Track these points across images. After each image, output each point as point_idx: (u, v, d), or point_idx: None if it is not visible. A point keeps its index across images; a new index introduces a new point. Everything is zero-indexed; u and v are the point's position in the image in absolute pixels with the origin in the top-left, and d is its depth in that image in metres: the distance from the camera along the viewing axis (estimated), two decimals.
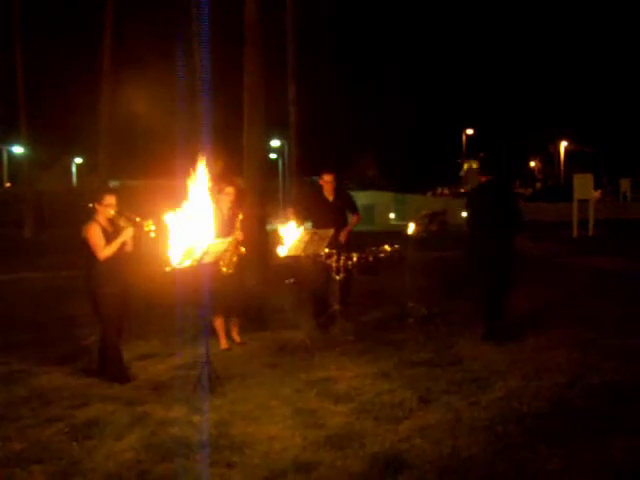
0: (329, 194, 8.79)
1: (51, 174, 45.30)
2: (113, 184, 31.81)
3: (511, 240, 8.01)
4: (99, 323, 6.69)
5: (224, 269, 7.47)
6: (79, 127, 35.78)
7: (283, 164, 45.17)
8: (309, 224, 8.35)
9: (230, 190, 7.72)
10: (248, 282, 8.41)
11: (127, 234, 6.48)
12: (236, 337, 7.96)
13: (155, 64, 31.88)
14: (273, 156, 46.90)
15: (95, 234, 6.40)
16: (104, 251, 6.40)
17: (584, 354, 7.06)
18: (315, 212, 8.65)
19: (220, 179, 7.93)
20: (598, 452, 4.64)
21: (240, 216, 7.58)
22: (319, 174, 8.88)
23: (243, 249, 7.70)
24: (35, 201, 31.10)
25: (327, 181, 8.77)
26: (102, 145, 25.66)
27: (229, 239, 6.71)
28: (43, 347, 8.14)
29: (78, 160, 51.93)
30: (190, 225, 5.92)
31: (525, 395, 5.83)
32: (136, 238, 6.58)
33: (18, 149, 39.63)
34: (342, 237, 8.69)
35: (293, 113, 22.17)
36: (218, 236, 6.47)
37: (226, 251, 7.10)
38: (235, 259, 7.59)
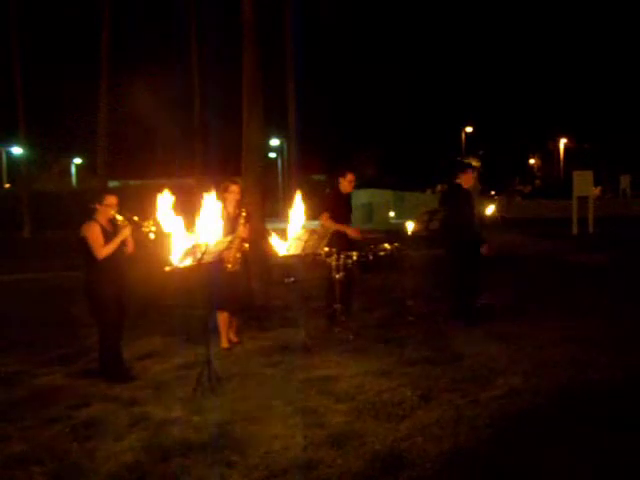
0: (348, 191, 8.85)
1: (50, 175, 45.26)
2: (112, 184, 31.83)
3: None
4: (98, 323, 6.68)
5: (229, 266, 7.48)
6: (78, 128, 35.80)
7: (282, 163, 45.19)
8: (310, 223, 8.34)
9: (235, 188, 7.72)
10: (250, 280, 8.42)
11: (125, 233, 6.49)
12: (233, 337, 7.95)
13: (154, 65, 31.90)
14: (272, 155, 46.91)
15: (94, 233, 6.41)
16: (103, 250, 6.40)
17: (583, 350, 7.05)
18: (338, 210, 8.68)
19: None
20: (599, 449, 4.63)
21: (244, 213, 7.59)
22: (343, 174, 8.87)
23: (247, 245, 7.72)
24: (34, 202, 31.11)
25: (351, 180, 8.82)
26: (101, 146, 25.66)
27: (228, 238, 6.71)
28: (43, 347, 8.14)
29: (77, 161, 51.92)
30: (196, 224, 5.94)
31: (525, 392, 5.82)
32: (135, 238, 6.60)
33: (17, 150, 39.62)
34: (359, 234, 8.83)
35: (292, 112, 22.19)
36: (224, 234, 6.48)
37: (229, 249, 7.12)
38: (239, 256, 7.60)
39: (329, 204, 8.78)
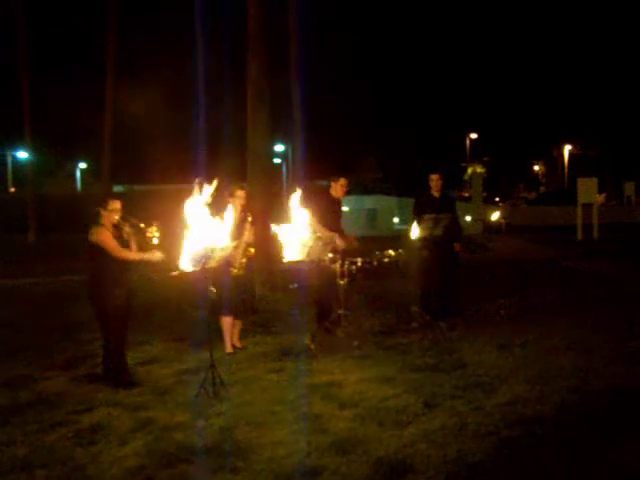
0: (340, 197, 8.88)
1: (55, 179, 45.36)
2: (117, 189, 31.87)
3: None
4: (102, 328, 6.69)
5: (234, 270, 7.49)
6: (83, 132, 35.86)
7: (287, 169, 45.22)
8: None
9: (241, 193, 7.73)
10: (255, 285, 8.45)
11: (154, 256, 6.50)
12: (237, 342, 7.95)
13: (159, 69, 31.95)
14: (277, 161, 46.94)
15: (107, 237, 6.41)
16: (123, 252, 6.43)
17: (587, 358, 7.04)
18: (331, 216, 8.70)
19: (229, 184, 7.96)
20: (603, 457, 4.62)
21: (249, 218, 7.60)
22: (336, 179, 8.88)
23: (252, 250, 7.73)
24: (39, 206, 31.15)
25: (343, 185, 8.86)
26: (106, 150, 25.70)
27: (233, 244, 6.72)
28: (47, 352, 8.15)
29: (82, 165, 52.08)
30: (201, 230, 5.94)
31: (529, 400, 5.81)
32: (139, 244, 6.61)
33: (22, 154, 39.75)
34: (354, 242, 8.88)
35: (297, 117, 22.16)
36: (230, 239, 6.49)
37: (234, 254, 7.13)
38: (244, 261, 7.61)
39: (320, 211, 8.72)
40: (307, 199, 7.54)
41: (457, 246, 9.42)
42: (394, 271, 8.82)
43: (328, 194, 8.90)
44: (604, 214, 28.70)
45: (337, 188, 8.85)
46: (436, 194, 9.45)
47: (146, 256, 6.54)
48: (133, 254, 6.52)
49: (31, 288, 14.21)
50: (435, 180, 9.43)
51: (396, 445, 4.91)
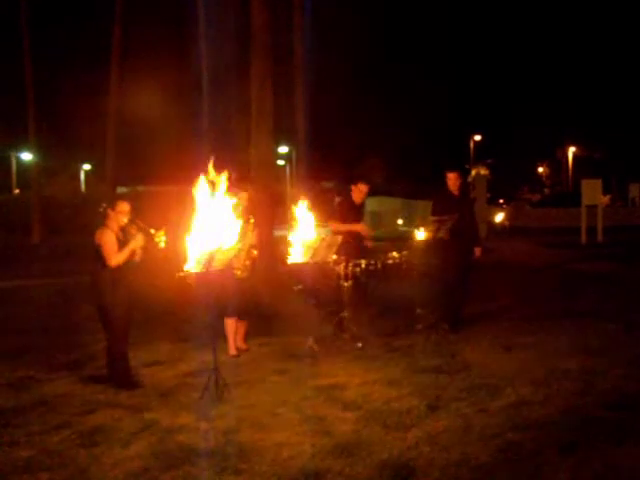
0: (359, 201, 8.90)
1: (59, 180, 45.33)
2: (120, 190, 31.86)
3: None
4: (105, 330, 6.67)
5: (238, 273, 7.49)
6: (87, 134, 35.89)
7: (291, 170, 45.23)
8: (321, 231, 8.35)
9: (244, 195, 7.73)
10: (259, 287, 8.45)
11: (137, 242, 6.43)
12: (241, 344, 7.94)
13: (163, 71, 31.99)
14: (281, 162, 46.96)
15: (109, 240, 6.34)
16: (115, 258, 6.36)
17: (592, 361, 7.02)
18: (349, 219, 8.75)
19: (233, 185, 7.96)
20: (608, 460, 4.59)
21: (252, 220, 7.61)
22: (355, 182, 8.90)
23: (255, 252, 7.73)
24: (43, 207, 31.17)
25: (362, 191, 8.86)
26: (110, 152, 25.71)
27: (236, 246, 6.70)
28: (50, 353, 8.15)
29: (86, 167, 52.11)
30: (204, 231, 5.92)
31: (534, 402, 5.79)
32: (146, 247, 6.57)
33: (27, 156, 39.82)
34: (369, 244, 8.94)
35: (301, 119, 22.14)
36: (233, 241, 6.47)
37: (237, 257, 7.13)
38: (248, 263, 7.61)
39: (339, 213, 8.77)
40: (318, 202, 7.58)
41: (477, 251, 9.02)
42: (399, 273, 8.81)
43: (349, 199, 8.89)
44: (609, 216, 28.57)
45: (356, 192, 8.84)
46: (455, 192, 8.96)
47: (131, 245, 6.43)
48: (121, 254, 6.36)
49: (35, 289, 14.22)
50: (453, 179, 8.89)
51: (400, 447, 4.89)
